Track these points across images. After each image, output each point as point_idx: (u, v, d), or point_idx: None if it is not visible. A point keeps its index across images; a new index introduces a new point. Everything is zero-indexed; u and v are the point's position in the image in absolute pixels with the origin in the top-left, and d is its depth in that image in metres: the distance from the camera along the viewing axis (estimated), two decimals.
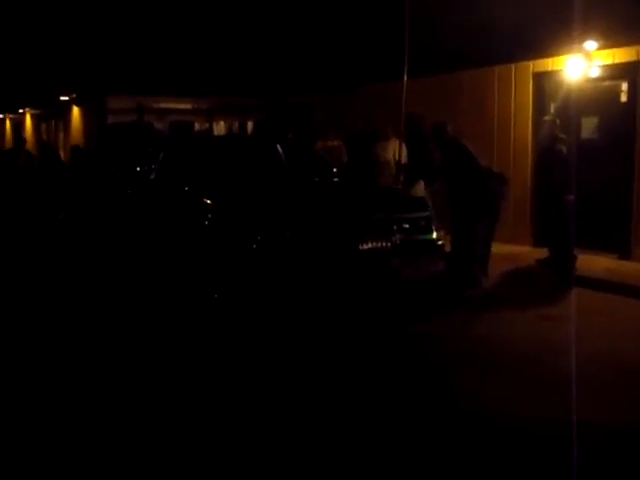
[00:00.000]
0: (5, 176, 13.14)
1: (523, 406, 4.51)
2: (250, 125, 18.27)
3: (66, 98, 20.53)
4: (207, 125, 17.81)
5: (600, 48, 8.87)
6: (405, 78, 7.71)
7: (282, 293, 6.01)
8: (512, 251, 9.63)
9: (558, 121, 8.69)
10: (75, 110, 21.07)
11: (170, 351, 5.65)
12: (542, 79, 10.06)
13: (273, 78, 15.29)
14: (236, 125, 18.97)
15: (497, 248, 8.75)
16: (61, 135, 23.16)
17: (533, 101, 10.14)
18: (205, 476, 3.65)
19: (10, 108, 25.65)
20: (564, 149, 8.27)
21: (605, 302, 7.20)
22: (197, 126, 17.71)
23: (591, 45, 8.83)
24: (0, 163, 13.82)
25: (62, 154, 20.23)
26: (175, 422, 4.26)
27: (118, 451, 3.88)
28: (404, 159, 8.96)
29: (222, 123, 18.90)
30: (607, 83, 9.37)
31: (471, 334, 6.17)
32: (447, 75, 11.02)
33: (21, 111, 26.03)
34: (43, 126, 25.48)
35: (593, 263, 8.58)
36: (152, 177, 8.43)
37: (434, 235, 6.88)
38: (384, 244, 6.45)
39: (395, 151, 9.10)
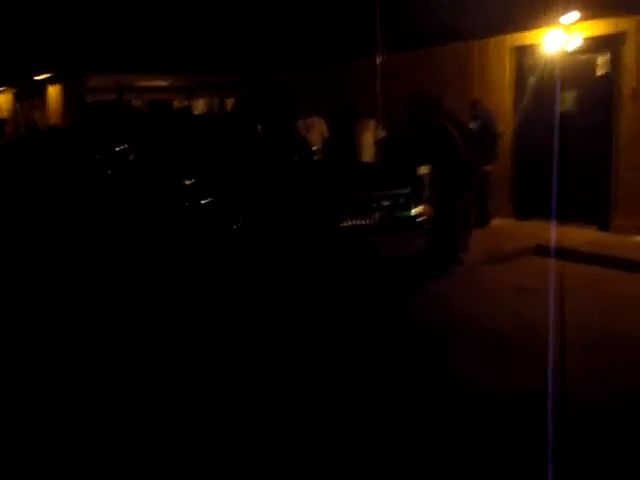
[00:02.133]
0: None
1: (506, 379, 4.59)
2: (230, 103, 18.11)
3: (44, 76, 20.27)
4: (186, 103, 17.66)
5: (579, 20, 8.87)
6: (379, 57, 7.67)
7: (263, 273, 6.02)
8: (494, 224, 9.72)
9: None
10: (53, 89, 20.80)
11: (149, 338, 5.66)
12: (521, 53, 10.06)
13: (252, 55, 15.19)
14: (215, 103, 18.80)
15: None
16: (38, 114, 22.86)
17: (512, 75, 10.15)
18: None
19: None
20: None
21: (585, 273, 7.29)
22: (176, 104, 17.54)
23: (570, 17, 8.83)
24: None
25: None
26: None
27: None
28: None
29: (201, 101, 18.73)
30: (586, 56, 9.38)
31: (453, 309, 6.25)
32: (426, 50, 10.98)
33: None
34: (20, 105, 25.13)
35: (573, 235, 8.65)
36: (131, 158, 8.38)
37: (413, 212, 6.90)
38: (365, 221, 6.47)
39: (375, 130, 9.12)
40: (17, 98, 24.93)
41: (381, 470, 3.57)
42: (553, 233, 8.25)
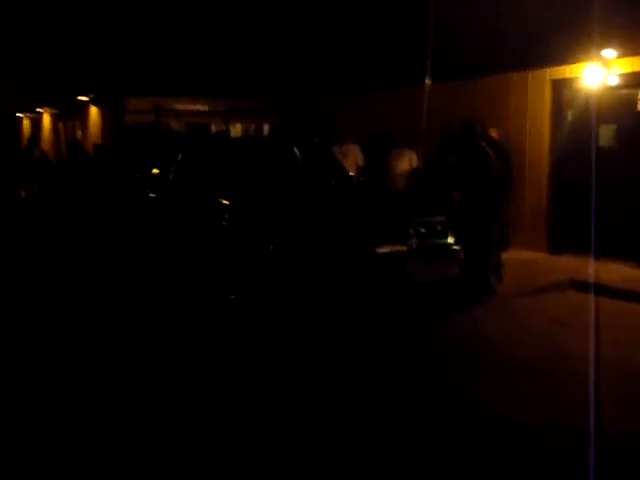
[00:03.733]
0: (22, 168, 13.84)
1: (533, 412, 4.52)
2: (266, 128, 18.34)
3: (84, 98, 20.71)
4: (224, 127, 17.92)
5: (619, 56, 8.87)
6: (417, 87, 7.68)
7: (298, 295, 6.04)
8: (527, 257, 9.63)
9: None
10: (93, 110, 21.23)
11: (181, 352, 5.70)
12: (559, 86, 10.06)
13: (291, 81, 15.39)
14: (252, 128, 19.03)
15: (512, 254, 8.77)
16: (79, 134, 23.35)
17: (550, 108, 10.14)
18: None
19: (29, 107, 25.93)
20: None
21: (620, 309, 7.19)
22: (213, 128, 17.81)
23: (610, 53, 8.83)
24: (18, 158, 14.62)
25: None
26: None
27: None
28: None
29: (238, 125, 18.97)
30: (625, 91, 9.35)
31: (484, 337, 6.20)
32: (464, 81, 11.03)
33: (39, 110, 26.27)
34: (61, 125, 25.68)
35: (610, 271, 8.55)
36: (171, 177, 8.51)
37: (450, 240, 6.90)
38: (400, 248, 6.48)
39: (412, 159, 9.17)
40: (59, 118, 25.50)
41: None
42: (590, 268, 8.17)
